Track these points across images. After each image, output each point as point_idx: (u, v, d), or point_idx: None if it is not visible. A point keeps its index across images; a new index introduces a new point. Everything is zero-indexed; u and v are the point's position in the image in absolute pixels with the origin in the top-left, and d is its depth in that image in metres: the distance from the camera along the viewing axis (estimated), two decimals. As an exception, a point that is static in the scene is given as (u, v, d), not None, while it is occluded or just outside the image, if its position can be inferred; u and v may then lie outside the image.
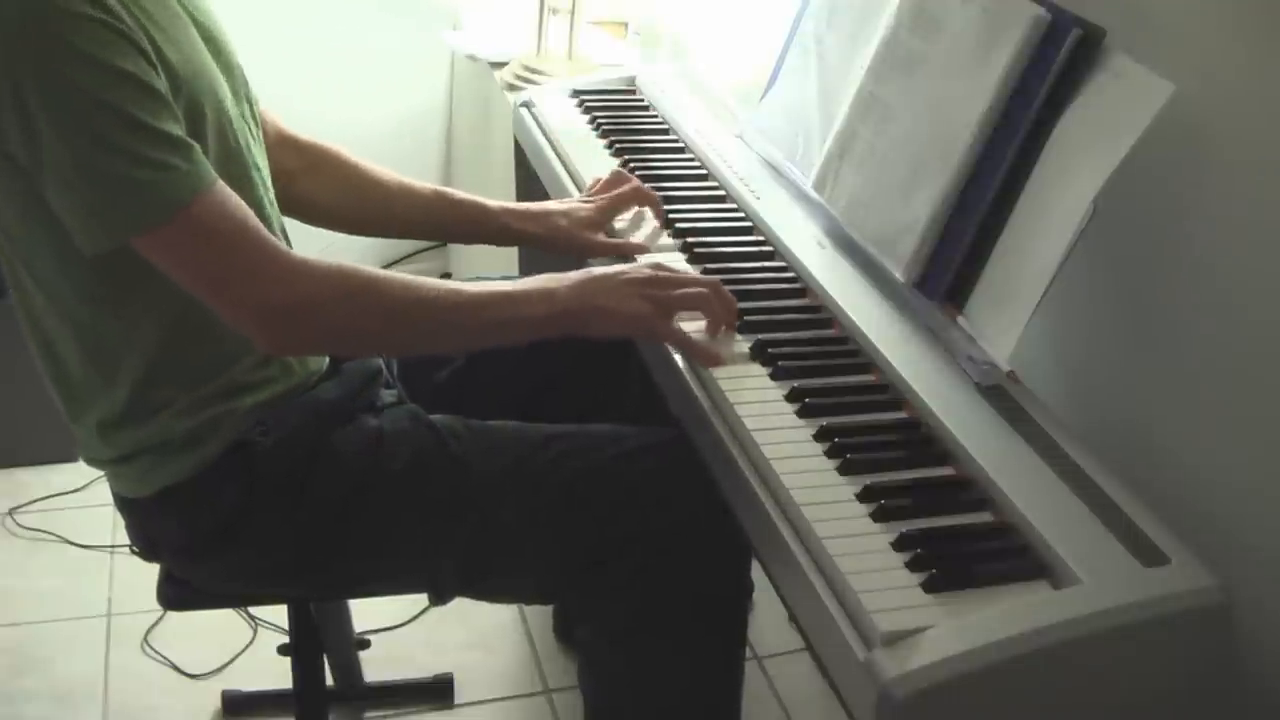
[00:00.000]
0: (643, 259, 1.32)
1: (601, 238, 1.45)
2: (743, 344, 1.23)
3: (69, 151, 1.03)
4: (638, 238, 1.45)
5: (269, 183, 1.28)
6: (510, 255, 2.06)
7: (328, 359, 1.34)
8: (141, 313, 1.17)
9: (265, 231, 1.12)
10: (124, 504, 1.30)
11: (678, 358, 1.22)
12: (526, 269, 1.97)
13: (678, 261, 1.38)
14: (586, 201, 1.49)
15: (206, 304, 1.11)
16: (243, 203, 1.12)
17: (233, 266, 1.10)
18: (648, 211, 1.49)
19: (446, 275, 2.74)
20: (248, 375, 1.24)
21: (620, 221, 1.49)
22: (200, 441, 1.22)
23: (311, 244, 1.34)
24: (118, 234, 1.07)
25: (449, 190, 1.50)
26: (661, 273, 1.22)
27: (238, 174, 1.19)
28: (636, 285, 1.20)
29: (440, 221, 1.49)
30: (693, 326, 1.23)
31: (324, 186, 1.45)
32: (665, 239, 1.45)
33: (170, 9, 1.14)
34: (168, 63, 1.10)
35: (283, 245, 1.13)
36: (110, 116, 1.03)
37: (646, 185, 1.54)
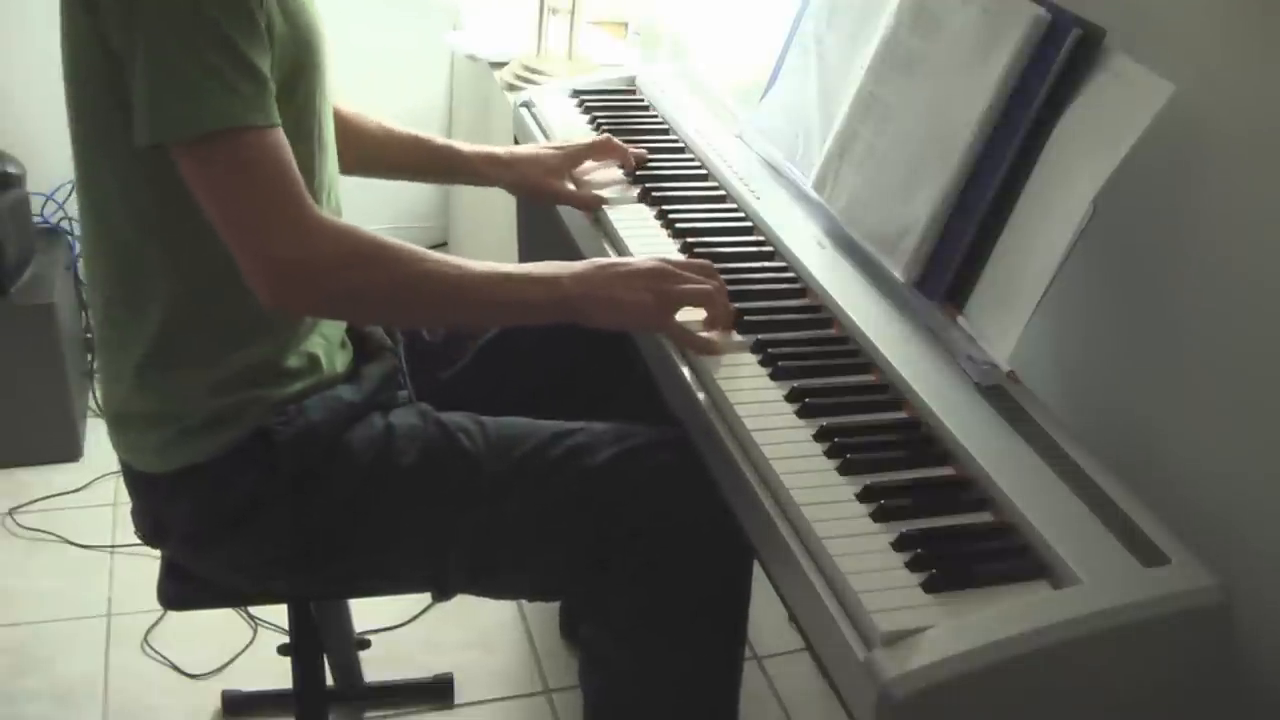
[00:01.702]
0: (647, 253, 1.33)
1: (564, 185, 1.56)
2: (741, 339, 1.24)
3: (155, 45, 1.07)
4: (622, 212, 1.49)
5: (332, 151, 1.31)
6: (509, 247, 2.06)
7: (351, 360, 1.36)
8: (186, 249, 1.18)
9: (302, 186, 1.13)
10: (136, 481, 1.30)
11: (677, 358, 1.23)
12: (526, 257, 1.98)
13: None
14: (556, 149, 1.59)
15: (224, 241, 1.12)
16: (291, 157, 1.13)
17: (256, 208, 1.11)
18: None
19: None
20: (273, 359, 1.25)
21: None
22: (223, 424, 1.23)
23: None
24: (164, 131, 1.09)
25: (428, 136, 1.59)
26: (666, 267, 1.23)
27: (308, 135, 1.22)
28: (641, 278, 1.22)
29: (419, 164, 1.59)
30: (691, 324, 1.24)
31: None
32: (662, 234, 1.45)
33: None
34: (289, 13, 1.14)
35: (311, 202, 1.14)
36: (204, 23, 1.07)
37: (646, 185, 1.55)
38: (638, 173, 1.60)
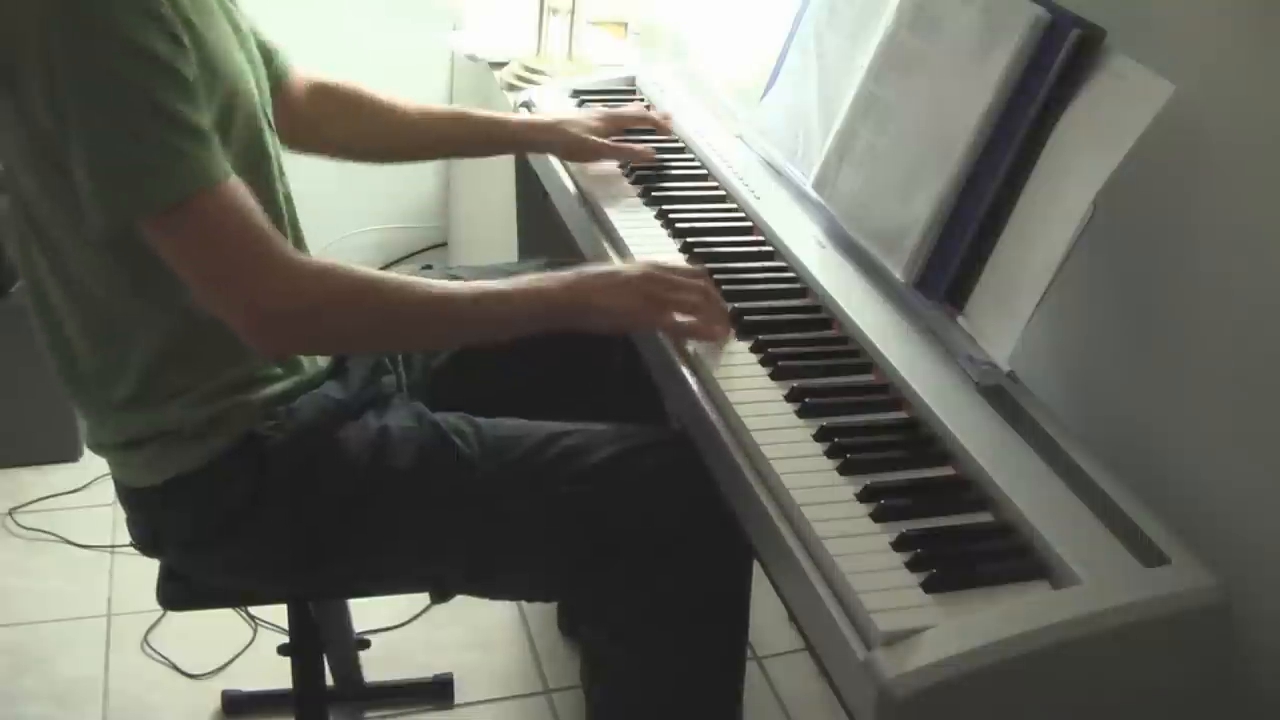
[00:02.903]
0: (638, 258, 1.32)
1: (606, 141, 1.61)
2: (740, 339, 1.24)
3: (87, 128, 1.04)
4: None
5: (283, 170, 1.30)
6: (510, 247, 2.06)
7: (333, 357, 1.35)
8: (158, 296, 1.17)
9: (269, 230, 1.12)
10: (129, 495, 1.30)
11: (677, 359, 1.23)
12: (525, 256, 1.98)
13: (676, 260, 1.39)
14: (598, 115, 1.66)
15: (202, 300, 1.12)
16: (252, 200, 1.12)
17: (229, 265, 1.10)
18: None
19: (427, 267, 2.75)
20: (258, 369, 1.25)
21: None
22: (210, 432, 1.23)
23: (313, 243, 1.35)
24: (119, 217, 1.07)
25: (466, 110, 1.64)
26: (656, 272, 1.24)
27: (257, 162, 1.22)
28: (631, 283, 1.22)
29: (465, 139, 1.63)
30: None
31: (356, 126, 1.55)
32: (662, 234, 1.45)
33: (208, 2, 1.16)
34: (204, 49, 1.11)
35: (285, 245, 1.14)
36: (132, 98, 1.04)
37: (646, 185, 1.56)
38: (637, 172, 1.60)
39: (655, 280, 1.22)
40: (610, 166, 1.62)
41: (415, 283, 1.19)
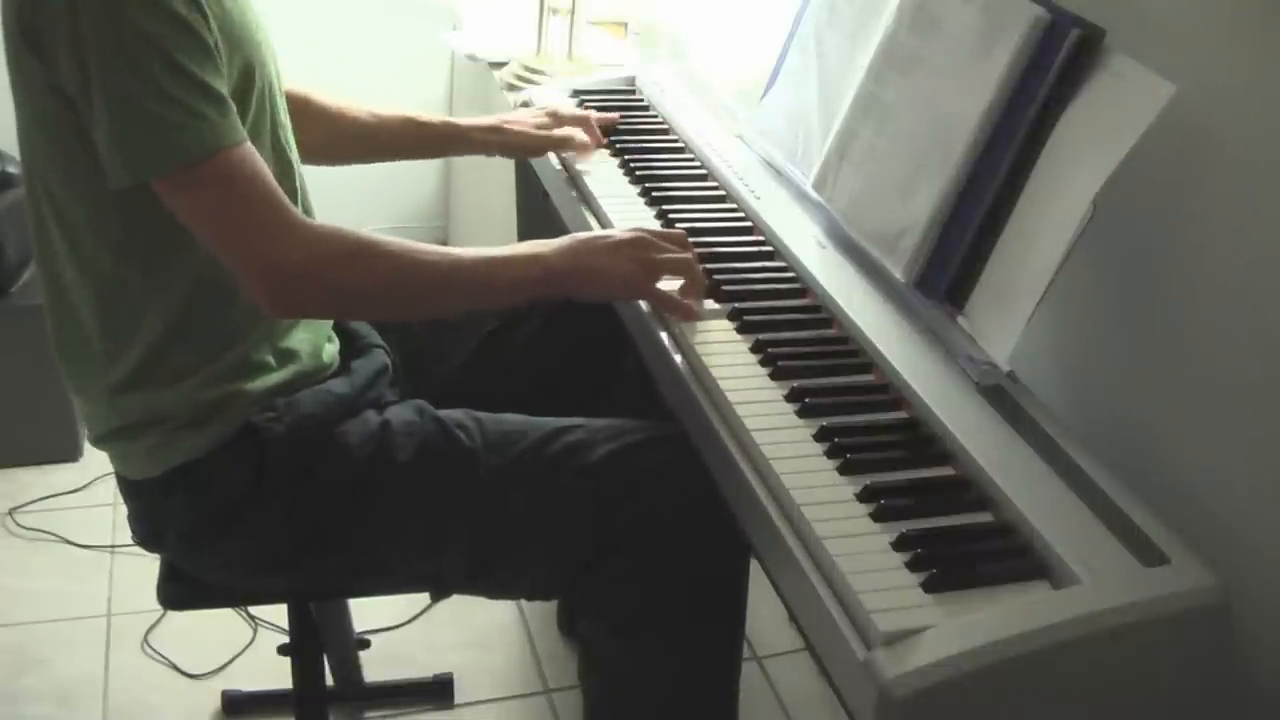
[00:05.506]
0: (625, 226, 1.34)
1: (550, 133, 1.65)
2: (718, 306, 1.29)
3: (111, 83, 1.07)
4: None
5: (294, 144, 1.33)
6: (509, 232, 2.07)
7: (338, 356, 1.36)
8: (167, 271, 1.19)
9: (282, 194, 1.15)
10: (129, 488, 1.30)
11: (676, 357, 1.23)
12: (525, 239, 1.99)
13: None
14: (544, 109, 1.70)
15: (216, 257, 1.14)
16: (265, 165, 1.15)
17: (245, 223, 1.12)
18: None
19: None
20: (260, 353, 1.26)
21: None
22: (210, 420, 1.23)
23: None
24: (139, 171, 1.09)
25: (416, 114, 1.63)
26: (645, 236, 1.28)
27: (272, 136, 1.24)
28: (623, 247, 1.26)
29: (414, 142, 1.64)
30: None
31: (307, 131, 1.50)
32: (655, 225, 1.45)
33: None
34: (226, 21, 1.14)
35: (296, 209, 1.16)
36: (156, 56, 1.07)
37: (646, 184, 1.56)
38: (637, 172, 1.60)
39: (646, 245, 1.27)
40: (610, 165, 1.62)
41: (423, 247, 1.22)
